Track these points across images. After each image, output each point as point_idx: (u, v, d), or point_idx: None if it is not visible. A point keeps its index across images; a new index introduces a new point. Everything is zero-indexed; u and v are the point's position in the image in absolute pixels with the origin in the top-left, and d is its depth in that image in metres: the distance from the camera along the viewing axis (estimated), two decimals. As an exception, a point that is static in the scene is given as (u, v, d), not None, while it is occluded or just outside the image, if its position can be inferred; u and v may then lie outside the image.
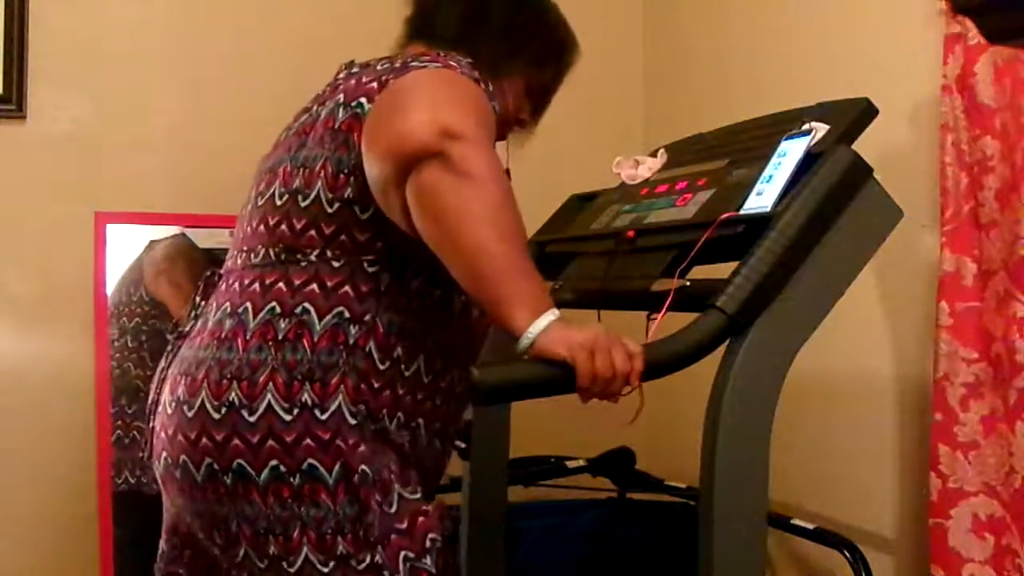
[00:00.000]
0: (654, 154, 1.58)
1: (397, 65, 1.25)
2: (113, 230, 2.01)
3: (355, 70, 1.32)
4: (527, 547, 1.83)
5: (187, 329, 1.36)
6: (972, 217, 1.53)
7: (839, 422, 1.89)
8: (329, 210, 1.23)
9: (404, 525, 1.21)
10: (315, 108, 1.32)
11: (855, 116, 1.26)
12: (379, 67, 1.27)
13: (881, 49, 1.78)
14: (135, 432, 1.98)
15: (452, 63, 1.24)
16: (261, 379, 1.20)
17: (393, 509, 1.21)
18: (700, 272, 1.32)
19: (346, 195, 1.23)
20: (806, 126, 1.25)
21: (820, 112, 1.30)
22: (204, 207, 2.01)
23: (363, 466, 1.20)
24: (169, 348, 1.38)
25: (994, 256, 1.50)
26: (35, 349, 1.96)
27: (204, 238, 2.07)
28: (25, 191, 1.97)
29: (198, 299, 1.40)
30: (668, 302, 1.23)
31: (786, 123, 1.32)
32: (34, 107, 1.97)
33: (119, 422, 1.98)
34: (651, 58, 2.51)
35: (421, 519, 1.23)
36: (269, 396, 1.20)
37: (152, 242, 2.06)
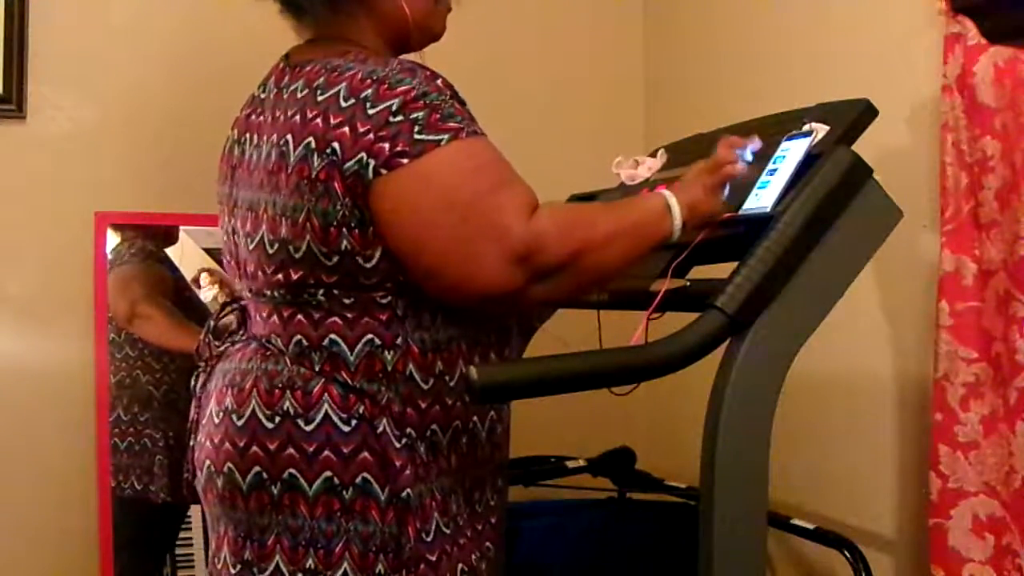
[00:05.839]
0: (654, 154, 1.57)
1: (374, 113, 1.14)
2: (113, 230, 2.01)
3: (302, 89, 1.21)
4: (527, 547, 1.83)
5: (222, 349, 1.32)
6: (972, 217, 1.53)
7: (839, 422, 1.89)
8: (328, 263, 1.18)
9: (434, 558, 1.20)
10: (270, 131, 1.23)
11: (855, 117, 1.26)
12: (341, 98, 1.16)
13: (881, 49, 1.78)
14: (146, 440, 1.98)
15: (449, 123, 1.15)
16: (315, 389, 1.18)
17: (430, 538, 1.20)
18: (700, 272, 1.32)
19: (343, 247, 1.17)
20: (807, 127, 1.26)
21: (820, 113, 1.29)
22: (204, 207, 2.01)
23: (408, 490, 1.18)
24: (201, 367, 1.35)
25: (994, 256, 1.50)
26: (35, 349, 1.96)
27: (204, 238, 2.06)
28: (25, 191, 1.96)
29: (214, 324, 1.37)
30: (657, 300, 1.23)
31: (786, 124, 1.32)
32: (34, 107, 1.96)
33: (131, 429, 1.97)
34: (651, 59, 2.51)
35: (454, 551, 1.22)
36: (327, 406, 1.17)
37: (110, 261, 1.99)
